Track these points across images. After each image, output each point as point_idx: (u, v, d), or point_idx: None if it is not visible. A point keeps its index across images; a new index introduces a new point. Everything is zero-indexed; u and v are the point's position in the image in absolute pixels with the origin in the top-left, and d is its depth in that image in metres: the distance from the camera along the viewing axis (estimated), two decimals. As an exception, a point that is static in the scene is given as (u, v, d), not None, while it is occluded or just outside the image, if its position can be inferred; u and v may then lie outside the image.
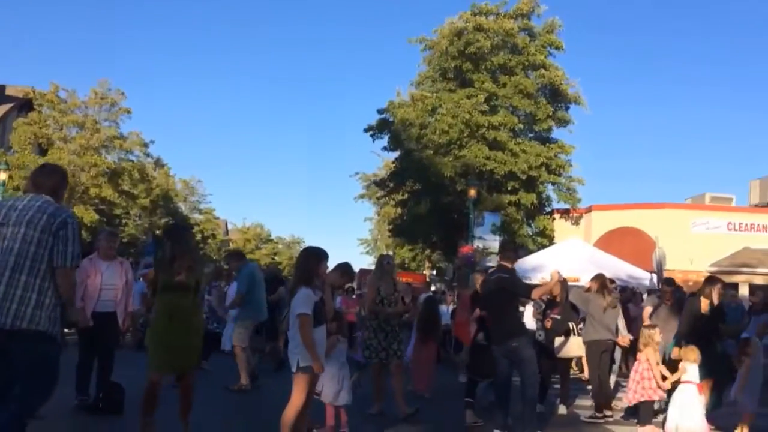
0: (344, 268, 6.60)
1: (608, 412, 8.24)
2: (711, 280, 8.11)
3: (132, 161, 30.02)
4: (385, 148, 24.35)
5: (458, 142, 21.61)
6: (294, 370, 5.02)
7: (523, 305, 10.86)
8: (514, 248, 7.89)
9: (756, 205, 26.03)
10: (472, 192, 19.54)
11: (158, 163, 37.54)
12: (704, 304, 7.80)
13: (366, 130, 23.93)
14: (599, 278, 8.84)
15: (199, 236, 42.19)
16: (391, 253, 38.02)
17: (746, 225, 22.90)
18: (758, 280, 20.78)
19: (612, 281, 10.28)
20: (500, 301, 6.84)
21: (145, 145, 30.61)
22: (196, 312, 5.66)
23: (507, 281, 6.82)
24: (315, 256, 5.38)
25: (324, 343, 5.33)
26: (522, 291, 7.17)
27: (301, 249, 6.56)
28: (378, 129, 23.67)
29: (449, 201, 22.05)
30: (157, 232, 27.40)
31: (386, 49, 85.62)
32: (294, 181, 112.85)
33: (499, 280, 6.84)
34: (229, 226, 63.94)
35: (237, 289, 9.18)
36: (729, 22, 70.29)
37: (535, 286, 8.46)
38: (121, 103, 28.34)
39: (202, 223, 47.02)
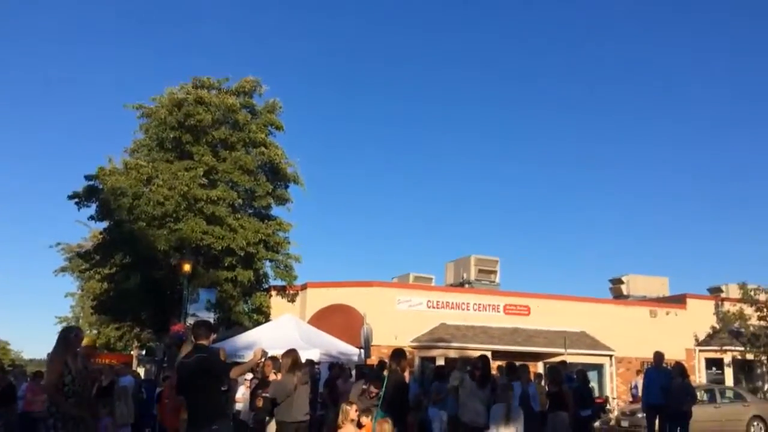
0: None
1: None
2: (397, 353, 8.57)
3: None
4: (92, 218, 22.48)
5: (174, 215, 20.79)
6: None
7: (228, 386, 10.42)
8: (207, 325, 7.53)
9: (451, 285, 28.72)
10: (187, 267, 18.78)
11: None
12: (406, 376, 8.19)
13: (71, 197, 21.94)
14: (292, 354, 8.75)
15: None
16: (95, 332, 34.85)
17: (443, 303, 25.04)
18: (452, 353, 22.67)
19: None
20: (200, 383, 6.44)
21: None
22: None
23: (206, 361, 6.48)
24: None
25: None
26: (221, 370, 6.85)
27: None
28: (85, 197, 21.85)
29: (162, 276, 20.93)
30: None
31: (99, 113, 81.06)
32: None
33: (199, 360, 6.46)
34: None
35: None
36: (424, 114, 79.18)
37: (236, 364, 8.20)
38: None
39: None
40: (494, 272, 28.36)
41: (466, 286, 27.73)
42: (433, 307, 24.77)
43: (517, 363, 14.44)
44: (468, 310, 25.18)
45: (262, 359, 8.09)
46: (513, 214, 77.46)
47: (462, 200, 78.69)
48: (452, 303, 25.11)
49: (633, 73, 78.38)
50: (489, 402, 10.01)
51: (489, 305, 25.53)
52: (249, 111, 23.45)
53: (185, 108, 21.74)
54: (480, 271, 28.01)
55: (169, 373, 13.05)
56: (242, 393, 11.15)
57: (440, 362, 22.10)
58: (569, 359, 21.50)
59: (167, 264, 20.52)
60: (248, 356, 13.70)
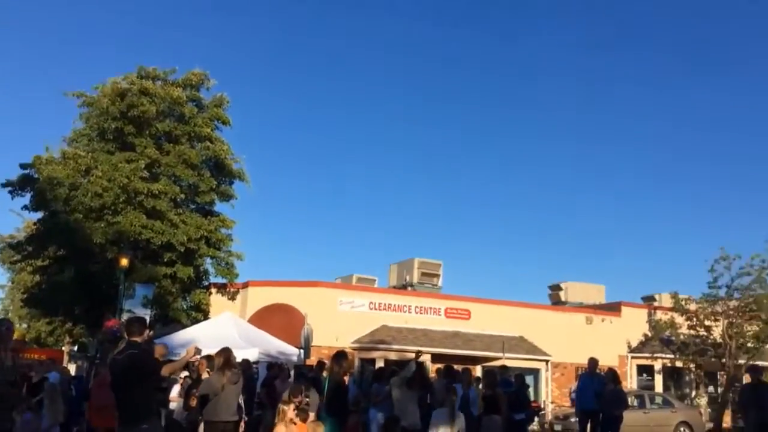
0: None
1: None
2: (338, 355, 8.54)
3: None
4: (26, 207, 21.71)
5: (113, 208, 20.20)
6: None
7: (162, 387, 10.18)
8: (141, 322, 7.34)
9: (394, 287, 28.83)
10: (124, 261, 18.30)
11: None
12: (346, 379, 8.14)
13: (4, 186, 21.15)
14: (224, 353, 8.55)
15: None
16: (25, 326, 33.71)
17: (385, 305, 25.14)
18: (392, 356, 22.77)
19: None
20: (131, 380, 6.28)
21: None
22: None
23: (137, 357, 6.32)
24: None
25: None
26: (152, 367, 6.69)
27: None
28: (19, 185, 21.09)
29: (97, 270, 20.31)
30: None
31: (37, 100, 78.45)
32: None
33: (130, 357, 6.30)
34: None
35: None
36: (374, 114, 79.41)
37: (169, 362, 8.02)
38: None
39: None
40: (437, 276, 28.60)
41: (409, 288, 27.88)
42: (375, 309, 24.83)
43: (458, 367, 14.61)
44: (410, 312, 25.34)
45: (196, 357, 7.93)
46: (457, 219, 78.34)
47: (407, 203, 79.15)
48: (394, 305, 25.22)
49: (575, 75, 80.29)
50: (421, 403, 10.10)
51: (430, 308, 25.73)
52: (195, 104, 22.97)
53: (129, 98, 21.18)
54: (423, 274, 28.21)
55: (102, 369, 12.69)
56: (176, 392, 10.92)
57: (380, 364, 22.17)
58: (507, 364, 21.83)
59: (103, 258, 19.94)
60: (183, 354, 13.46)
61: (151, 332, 15.34)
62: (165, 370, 6.93)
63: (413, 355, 11.24)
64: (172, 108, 22.15)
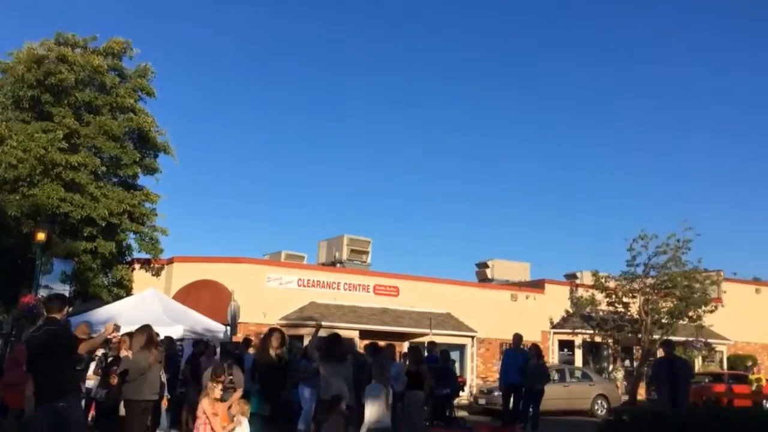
0: None
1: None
2: (271, 331, 8.46)
3: None
4: (-67, 178, 20.51)
5: (29, 179, 19.33)
6: None
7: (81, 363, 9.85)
8: (60, 298, 7.10)
9: (323, 264, 28.76)
10: (41, 235, 17.54)
11: None
12: (272, 356, 8.05)
13: None
14: (146, 330, 8.33)
15: None
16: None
17: (314, 281, 25.04)
18: (321, 332, 22.68)
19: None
20: (49, 357, 6.06)
21: None
22: None
23: (54, 334, 6.10)
24: None
25: None
26: (70, 344, 6.48)
27: None
28: (-74, 155, 19.91)
29: (12, 244, 19.45)
30: None
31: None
32: None
33: (48, 333, 6.07)
34: None
35: None
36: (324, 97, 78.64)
37: (86, 339, 7.78)
38: None
39: None
40: (366, 253, 28.68)
41: (338, 265, 27.87)
42: (304, 286, 24.72)
43: (383, 343, 14.71)
44: (339, 289, 25.34)
45: (116, 334, 7.70)
46: (386, 196, 78.69)
47: (337, 180, 78.95)
48: (323, 282, 25.16)
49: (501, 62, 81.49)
50: (350, 378, 10.11)
51: (359, 285, 25.80)
52: (117, 74, 22.14)
53: (46, 65, 20.22)
54: (352, 251, 28.24)
55: (17, 347, 12.18)
56: (93, 370, 10.58)
57: (308, 341, 22.15)
58: (434, 340, 22.15)
59: (19, 231, 19.11)
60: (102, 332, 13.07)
61: (69, 308, 14.82)
62: (82, 348, 6.73)
63: (342, 333, 11.21)
64: (92, 77, 21.29)
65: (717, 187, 74.30)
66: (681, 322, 26.51)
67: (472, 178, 77.67)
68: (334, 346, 10.00)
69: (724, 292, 30.61)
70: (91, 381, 10.43)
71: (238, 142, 79.67)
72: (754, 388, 20.82)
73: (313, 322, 23.07)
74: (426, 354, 15.06)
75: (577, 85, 78.98)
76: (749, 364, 28.12)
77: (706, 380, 23.33)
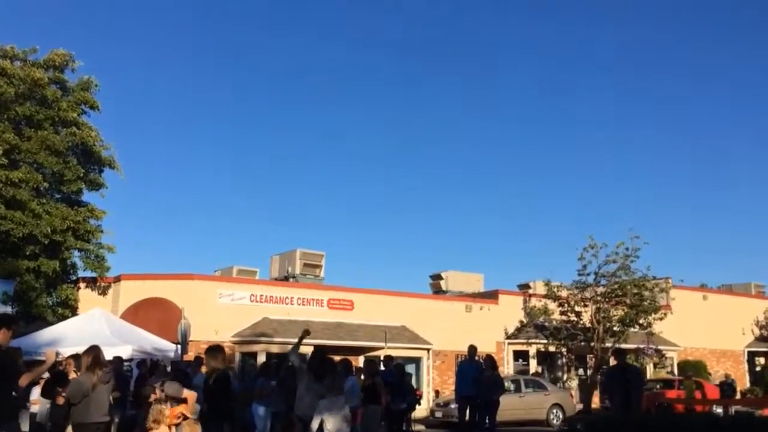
0: None
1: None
2: (212, 349, 8.23)
3: None
4: None
5: (-32, 197, 18.63)
6: None
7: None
8: (8, 319, 6.75)
9: (276, 279, 28.35)
10: (-21, 255, 16.89)
11: None
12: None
13: None
14: (92, 351, 7.94)
15: None
16: None
17: (267, 297, 24.63)
18: (275, 349, 22.35)
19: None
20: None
21: None
22: None
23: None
24: None
25: None
26: (14, 371, 6.15)
27: None
28: None
29: (-52, 264, 18.65)
30: None
31: None
32: None
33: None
34: None
35: None
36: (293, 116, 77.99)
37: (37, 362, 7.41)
38: None
39: None
40: (319, 267, 28.39)
41: (291, 280, 27.51)
42: (257, 302, 24.31)
43: (338, 358, 14.46)
44: (292, 304, 24.99)
45: (62, 356, 7.35)
46: (339, 210, 78.42)
47: (289, 194, 78.36)
48: (276, 297, 24.79)
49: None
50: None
51: (313, 299, 25.50)
52: (59, 87, 21.52)
53: (-17, 79, 19.56)
54: (305, 265, 27.91)
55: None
56: (37, 395, 10.13)
57: (262, 358, 21.76)
58: (390, 353, 22.00)
59: (-44, 251, 18.35)
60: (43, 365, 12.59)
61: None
62: (23, 381, 6.42)
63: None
64: (32, 90, 20.66)
65: (663, 193, 76.30)
66: (632, 329, 26.95)
67: (424, 189, 78.08)
68: (328, 365, 9.50)
69: (673, 299, 31.28)
70: (35, 406, 9.99)
71: (187, 156, 78.48)
72: (686, 394, 21.11)
73: (266, 339, 22.76)
74: (383, 368, 14.91)
75: (523, 89, 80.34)
76: (690, 373, 27.92)
77: (658, 386, 23.72)
